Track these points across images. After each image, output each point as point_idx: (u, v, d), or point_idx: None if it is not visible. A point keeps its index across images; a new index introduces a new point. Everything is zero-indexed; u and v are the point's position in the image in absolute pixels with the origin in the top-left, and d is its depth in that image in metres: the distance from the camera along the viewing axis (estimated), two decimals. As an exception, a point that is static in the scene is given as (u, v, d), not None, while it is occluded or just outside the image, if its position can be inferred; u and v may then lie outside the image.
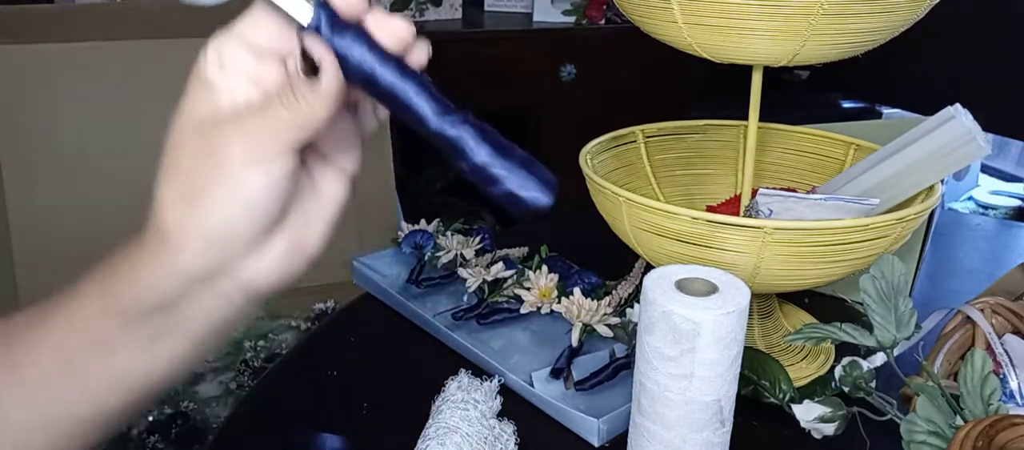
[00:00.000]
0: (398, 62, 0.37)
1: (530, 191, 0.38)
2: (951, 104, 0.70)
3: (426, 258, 0.90)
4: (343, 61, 0.36)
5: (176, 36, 1.32)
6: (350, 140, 0.42)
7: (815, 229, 0.63)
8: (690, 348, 0.52)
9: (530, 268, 0.86)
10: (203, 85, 0.37)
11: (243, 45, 0.37)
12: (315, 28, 0.36)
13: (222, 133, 0.37)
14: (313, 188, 0.41)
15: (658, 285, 0.54)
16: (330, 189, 0.41)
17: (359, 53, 0.36)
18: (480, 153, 0.37)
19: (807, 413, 0.62)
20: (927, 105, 0.77)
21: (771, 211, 0.69)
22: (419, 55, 0.38)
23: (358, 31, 0.37)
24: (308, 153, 0.40)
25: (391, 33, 0.37)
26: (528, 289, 0.82)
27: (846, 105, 2.54)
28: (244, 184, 0.37)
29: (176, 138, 0.38)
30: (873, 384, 0.63)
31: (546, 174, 0.38)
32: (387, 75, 0.37)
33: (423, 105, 0.37)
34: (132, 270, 0.39)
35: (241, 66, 0.37)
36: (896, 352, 0.60)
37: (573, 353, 0.74)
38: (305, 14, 0.36)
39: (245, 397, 0.73)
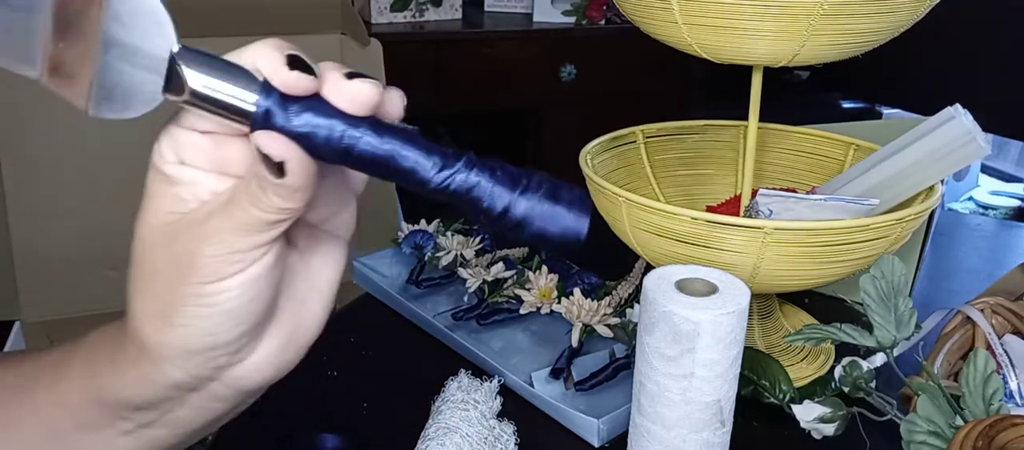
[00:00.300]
0: (372, 123, 0.31)
1: (561, 222, 0.32)
2: (951, 104, 0.70)
3: (426, 258, 0.90)
4: (309, 141, 0.31)
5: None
6: (341, 201, 0.36)
7: (815, 229, 0.63)
8: (690, 348, 0.52)
9: (530, 268, 0.86)
10: (163, 181, 0.32)
11: (196, 130, 0.32)
12: (264, 116, 0.30)
13: (190, 238, 0.32)
14: (305, 267, 0.36)
15: (658, 285, 0.54)
16: (324, 262, 0.36)
17: (325, 129, 0.30)
18: (497, 198, 0.31)
19: (807, 413, 0.62)
20: (927, 105, 0.77)
21: (771, 211, 0.69)
22: (393, 107, 0.32)
23: (317, 105, 0.31)
24: (295, 230, 0.35)
25: (351, 98, 0.30)
26: (528, 289, 0.82)
27: (846, 105, 2.55)
28: (221, 294, 0.32)
29: (141, 245, 0.33)
30: (873, 384, 0.63)
31: (575, 195, 0.32)
32: (364, 142, 0.31)
33: (417, 162, 0.31)
34: (115, 372, 0.36)
35: (200, 155, 0.32)
36: (896, 352, 0.60)
37: (573, 353, 0.74)
38: (248, 103, 0.30)
39: (245, 397, 0.73)
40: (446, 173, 0.31)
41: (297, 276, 0.36)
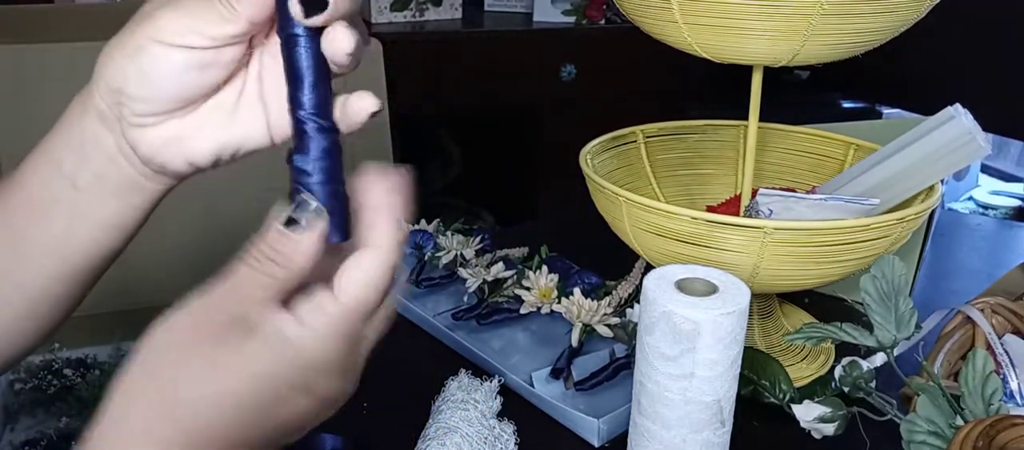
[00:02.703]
0: (323, 69, 0.38)
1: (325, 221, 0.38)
2: (951, 104, 0.70)
3: (426, 258, 0.90)
4: (285, 16, 0.37)
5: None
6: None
7: (815, 229, 0.63)
8: (690, 348, 0.52)
9: (530, 268, 0.86)
10: None
11: None
12: None
13: (170, 8, 0.39)
14: (233, 109, 0.42)
15: (658, 285, 0.54)
16: (246, 119, 0.42)
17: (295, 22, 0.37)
18: (309, 162, 0.38)
19: (807, 413, 0.62)
20: (927, 105, 0.77)
21: (771, 211, 0.69)
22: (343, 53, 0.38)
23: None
24: (250, 91, 0.42)
25: (333, 41, 0.37)
26: (528, 289, 0.82)
27: (846, 105, 2.54)
28: (146, 55, 0.39)
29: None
30: (873, 384, 0.63)
31: (344, 225, 0.39)
32: (303, 50, 0.37)
33: (307, 86, 0.37)
34: (60, 122, 0.43)
35: None
36: (896, 352, 0.60)
37: (573, 353, 0.74)
38: None
39: (245, 397, 0.73)
40: (314, 117, 0.38)
41: (221, 109, 0.42)
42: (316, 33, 0.37)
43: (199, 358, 0.36)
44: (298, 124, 0.38)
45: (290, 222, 0.37)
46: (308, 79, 0.38)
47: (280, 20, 0.37)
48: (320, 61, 0.38)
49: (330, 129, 0.38)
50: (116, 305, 1.06)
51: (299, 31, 0.37)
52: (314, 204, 0.37)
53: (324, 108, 0.38)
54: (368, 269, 0.38)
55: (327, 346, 0.37)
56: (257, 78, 0.42)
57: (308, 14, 0.36)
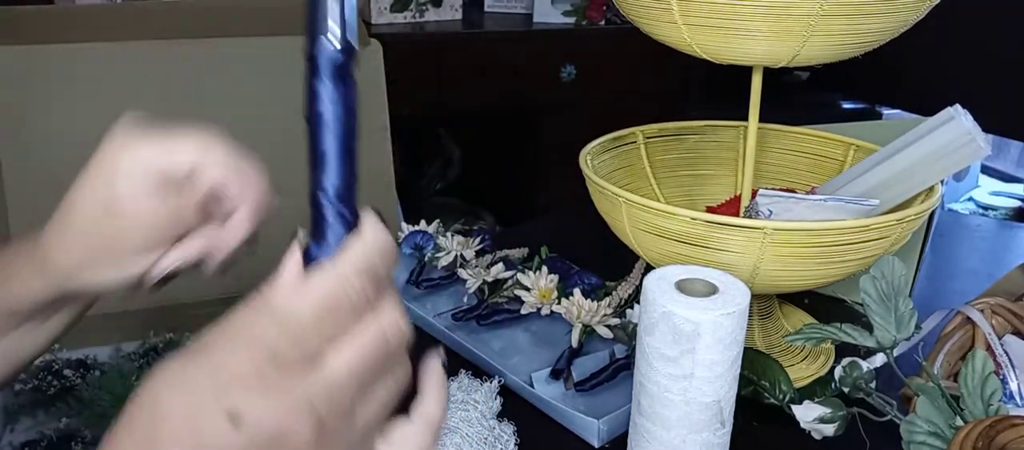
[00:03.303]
0: (350, 149, 0.35)
1: None
2: (951, 104, 0.70)
3: (426, 259, 0.90)
4: (314, 96, 0.34)
5: (176, 37, 1.32)
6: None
7: (815, 229, 0.63)
8: (690, 349, 0.52)
9: (530, 269, 0.86)
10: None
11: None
12: (319, 55, 0.33)
13: (123, 223, 0.43)
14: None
15: (658, 286, 0.54)
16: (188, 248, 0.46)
17: (334, 104, 0.34)
18: (327, 252, 0.34)
19: (807, 414, 0.62)
20: (927, 105, 0.77)
21: (771, 212, 0.69)
22: None
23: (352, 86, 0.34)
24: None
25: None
26: (528, 290, 0.82)
27: (846, 105, 2.54)
28: (128, 263, 0.44)
29: (82, 189, 0.43)
30: (873, 385, 0.63)
31: None
32: (336, 133, 0.34)
33: (332, 171, 0.34)
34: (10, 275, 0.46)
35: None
36: (896, 353, 0.60)
37: (573, 354, 0.74)
38: (335, 35, 0.33)
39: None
40: (335, 203, 0.35)
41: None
42: (345, 109, 0.34)
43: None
44: (318, 210, 0.34)
45: None
46: (333, 161, 0.34)
47: (307, 98, 0.34)
48: (348, 139, 0.34)
49: (352, 220, 0.35)
50: (116, 306, 1.06)
51: (326, 109, 0.34)
52: None
53: (349, 194, 0.35)
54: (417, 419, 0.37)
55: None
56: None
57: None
